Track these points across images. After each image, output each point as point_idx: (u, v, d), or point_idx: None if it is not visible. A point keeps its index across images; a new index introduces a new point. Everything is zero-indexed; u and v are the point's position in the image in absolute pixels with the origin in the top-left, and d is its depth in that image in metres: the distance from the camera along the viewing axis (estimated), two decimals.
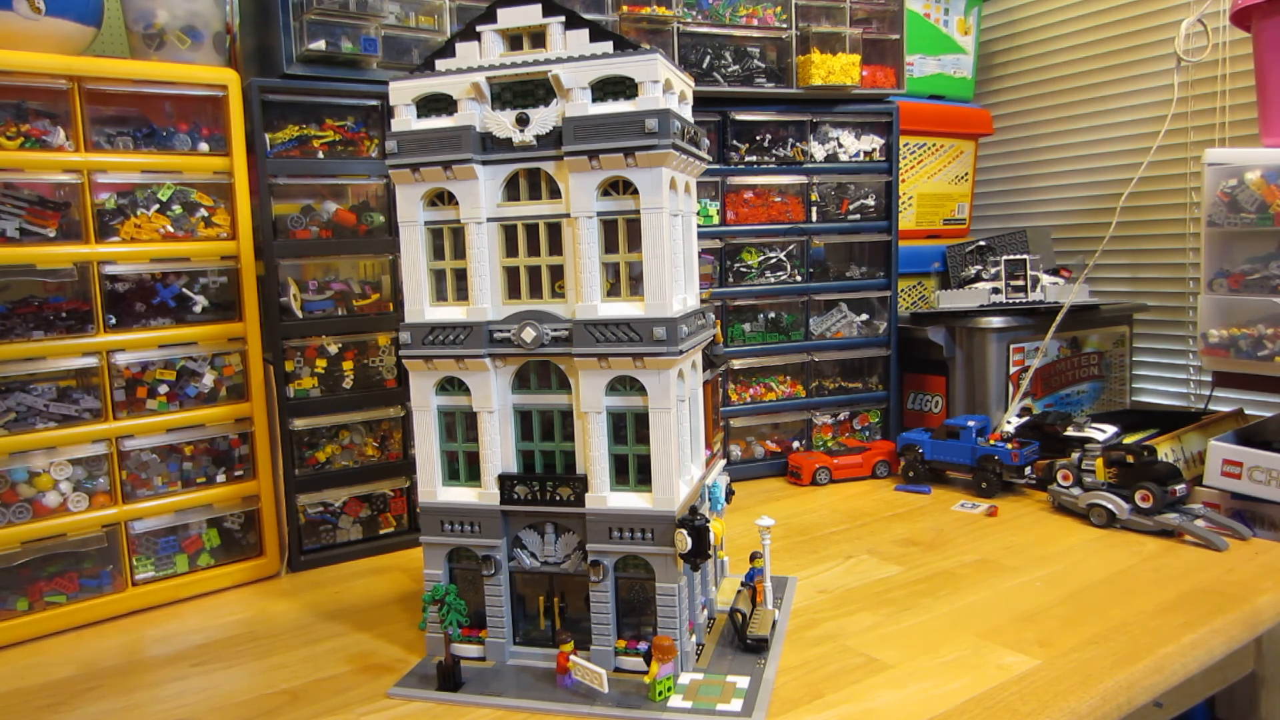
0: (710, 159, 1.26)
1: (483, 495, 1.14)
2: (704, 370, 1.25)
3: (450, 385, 1.15)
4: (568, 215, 1.08)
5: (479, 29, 1.10)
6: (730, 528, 1.56)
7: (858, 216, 2.10)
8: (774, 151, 2.02)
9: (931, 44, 2.51)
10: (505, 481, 1.13)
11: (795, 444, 2.10)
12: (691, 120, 1.19)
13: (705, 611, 1.25)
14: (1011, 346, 2.07)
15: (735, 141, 1.99)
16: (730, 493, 1.36)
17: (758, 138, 2.01)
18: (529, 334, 1.09)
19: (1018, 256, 2.10)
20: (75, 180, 1.35)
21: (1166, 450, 1.72)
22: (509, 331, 1.10)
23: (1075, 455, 1.72)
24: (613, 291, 1.11)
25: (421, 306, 1.14)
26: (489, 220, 1.11)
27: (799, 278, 2.06)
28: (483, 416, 1.13)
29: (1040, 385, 2.12)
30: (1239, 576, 1.36)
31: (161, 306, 1.44)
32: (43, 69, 1.31)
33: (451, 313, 1.13)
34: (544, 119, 1.07)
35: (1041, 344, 2.07)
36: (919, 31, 2.47)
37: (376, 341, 1.64)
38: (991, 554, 1.51)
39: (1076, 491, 1.68)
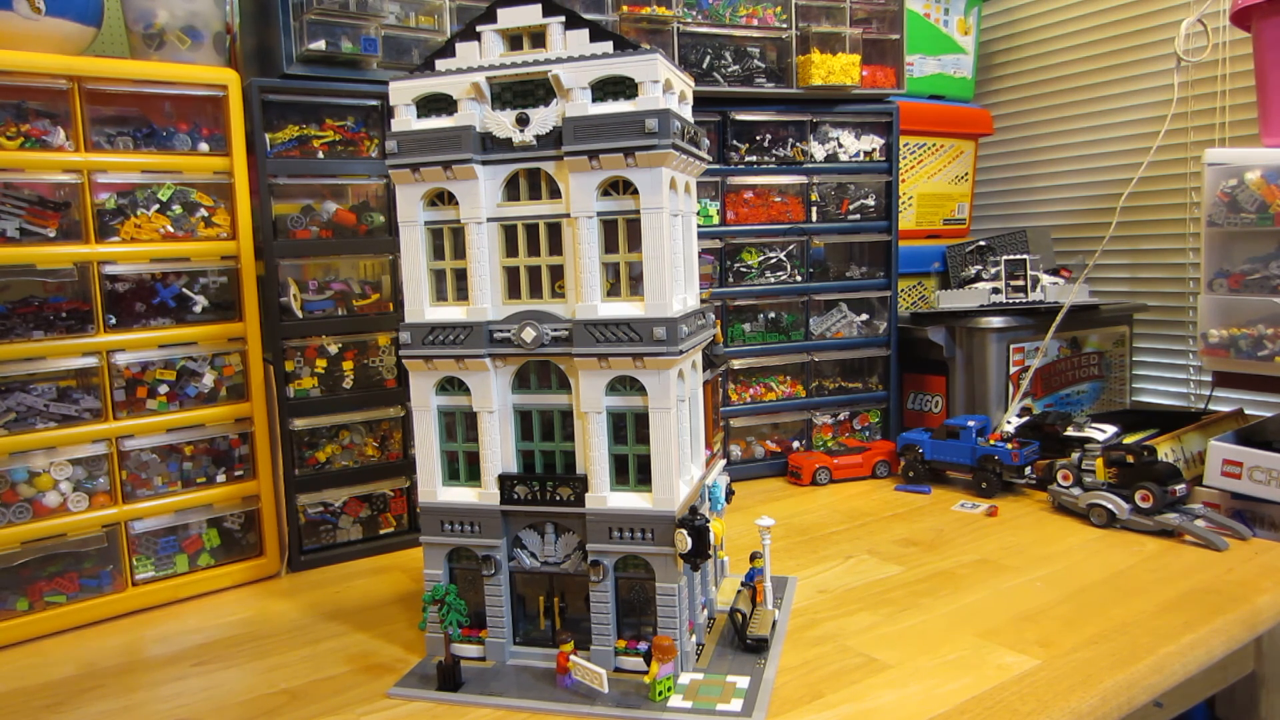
0: (710, 159, 1.26)
1: (483, 495, 1.14)
2: (704, 370, 1.26)
3: (450, 385, 1.15)
4: (568, 215, 1.08)
5: (479, 29, 1.10)
6: (730, 528, 1.56)
7: (858, 216, 2.10)
8: (774, 151, 2.02)
9: (931, 44, 2.51)
10: (505, 481, 1.13)
11: (795, 444, 2.10)
12: (691, 120, 1.19)
13: (705, 611, 1.25)
14: (1011, 346, 2.07)
15: (735, 141, 1.99)
16: (730, 493, 1.36)
17: (758, 138, 2.01)
18: (529, 334, 1.09)
19: (1018, 256, 2.10)
20: (75, 180, 1.35)
21: (1166, 450, 1.72)
22: (509, 331, 1.10)
23: (1075, 455, 1.72)
24: (613, 291, 1.11)
25: (421, 306, 1.14)
26: (489, 220, 1.11)
27: (799, 278, 2.06)
28: (483, 416, 1.13)
29: (1040, 385, 2.12)
30: (1239, 576, 1.36)
31: (161, 306, 1.44)
32: (43, 69, 1.31)
33: (451, 313, 1.13)
34: (544, 119, 1.07)
35: (1041, 344, 2.07)
36: (919, 31, 2.47)
37: (376, 341, 1.64)
38: (991, 554, 1.51)
39: (1076, 491, 1.68)
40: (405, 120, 1.12)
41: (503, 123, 1.09)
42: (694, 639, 1.16)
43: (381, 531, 1.67)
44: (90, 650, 1.28)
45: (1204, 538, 1.50)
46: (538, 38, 1.09)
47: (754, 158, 2.01)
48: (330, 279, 1.62)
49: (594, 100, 1.07)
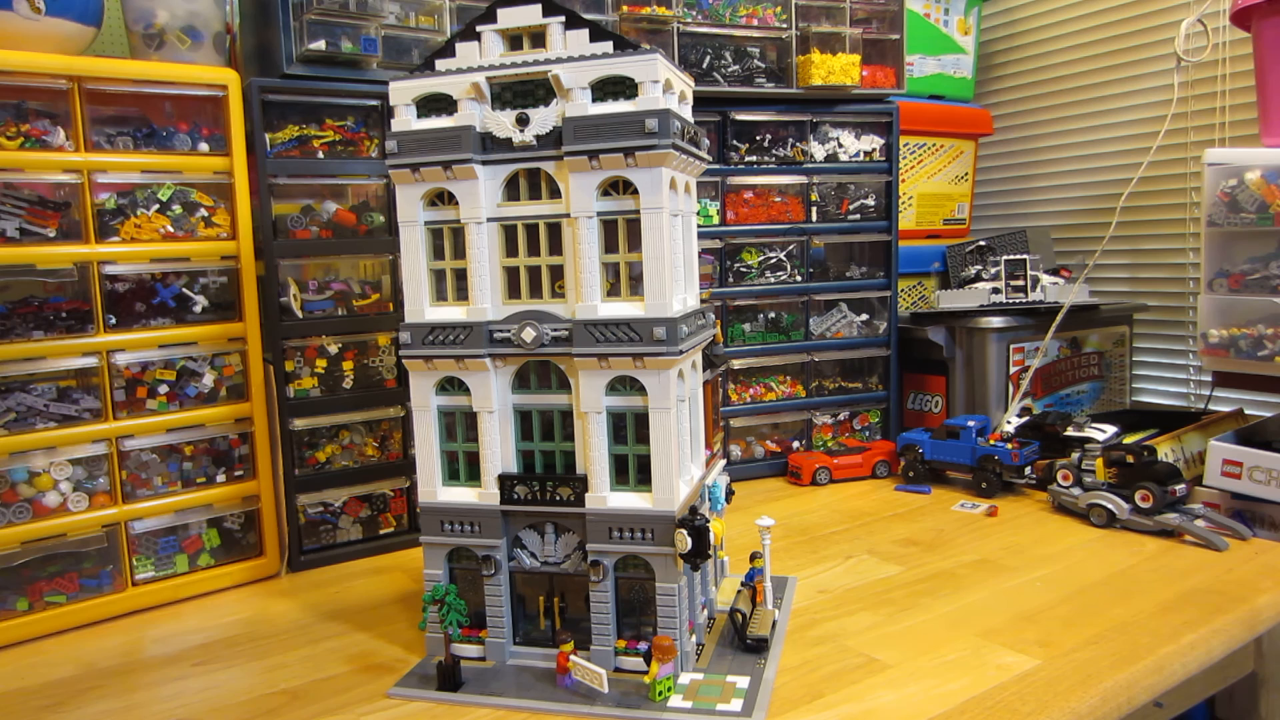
0: (710, 159, 1.26)
1: (483, 495, 1.14)
2: (704, 370, 1.26)
3: (450, 385, 1.15)
4: (568, 215, 1.08)
5: (479, 29, 1.10)
6: (730, 528, 1.56)
7: (858, 216, 2.10)
8: (774, 151, 2.02)
9: (931, 44, 2.51)
10: (505, 481, 1.13)
11: (795, 444, 2.10)
12: (691, 120, 1.19)
13: (705, 611, 1.25)
14: (1011, 346, 2.07)
15: (735, 141, 1.99)
16: (730, 493, 1.36)
17: (758, 138, 2.01)
18: (529, 334, 1.09)
19: (1018, 256, 2.10)
20: (75, 180, 1.35)
21: (1166, 450, 1.72)
22: (509, 331, 1.10)
23: (1075, 455, 1.72)
24: (613, 291, 1.11)
25: (421, 306, 1.14)
26: (489, 220, 1.11)
27: (799, 278, 2.06)
28: (483, 416, 1.13)
29: (1040, 385, 2.12)
30: (1239, 576, 1.36)
31: (161, 306, 1.44)
32: (43, 69, 1.31)
33: (451, 313, 1.13)
34: (544, 119, 1.07)
35: (1041, 344, 2.07)
36: (919, 31, 2.47)
37: (376, 341, 1.64)
38: (991, 554, 1.51)
39: (1076, 491, 1.68)
40: (405, 120, 1.12)
41: (503, 123, 1.09)
42: (694, 639, 1.16)
43: (381, 531, 1.67)
44: (90, 650, 1.28)
45: (1204, 538, 1.50)
46: (538, 38, 1.09)
47: (754, 158, 2.01)
48: (330, 279, 1.62)
49: (594, 100, 1.07)
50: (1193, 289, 2.30)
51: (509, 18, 1.08)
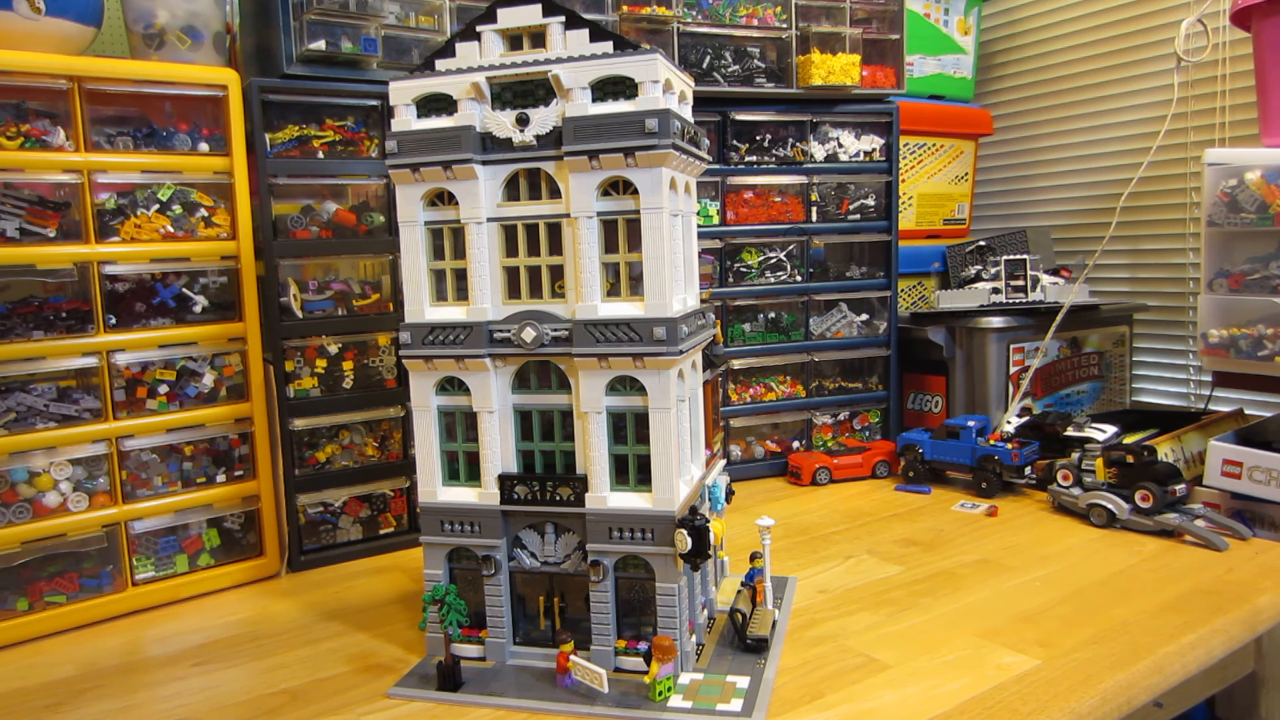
0: (710, 159, 1.26)
1: (483, 495, 1.14)
2: (704, 370, 1.26)
3: (450, 385, 1.15)
4: (568, 215, 1.08)
5: (479, 29, 1.10)
6: (730, 528, 1.56)
7: (858, 216, 2.10)
8: (774, 151, 2.02)
9: (931, 44, 2.51)
10: (505, 481, 1.13)
11: (795, 444, 2.10)
12: (691, 120, 1.19)
13: (705, 611, 1.25)
14: (1011, 346, 2.07)
15: (735, 141, 1.99)
16: (730, 493, 1.36)
17: (758, 138, 2.01)
18: (529, 334, 1.09)
19: (1018, 256, 2.10)
20: (75, 180, 1.35)
21: (1166, 450, 1.72)
22: (509, 331, 1.10)
23: (1075, 455, 1.72)
24: (613, 291, 1.11)
25: (421, 306, 1.14)
26: (489, 220, 1.11)
27: (799, 278, 2.06)
28: (483, 416, 1.13)
29: (1040, 385, 2.12)
30: (1239, 576, 1.36)
31: (161, 306, 1.44)
32: (43, 69, 1.31)
33: (451, 313, 1.13)
34: (544, 119, 1.07)
35: (1041, 344, 2.07)
36: (919, 31, 2.47)
37: (376, 341, 1.64)
38: (991, 554, 1.51)
39: (1076, 491, 1.68)
40: (405, 120, 1.12)
41: (503, 123, 1.09)
42: (694, 639, 1.16)
43: (381, 531, 1.67)
44: (90, 650, 1.28)
45: (1204, 538, 1.50)
46: (538, 38, 1.09)
47: (754, 158, 2.01)
48: (330, 279, 1.62)
49: (594, 100, 1.07)
50: (1193, 289, 2.30)
51: (509, 18, 1.09)
